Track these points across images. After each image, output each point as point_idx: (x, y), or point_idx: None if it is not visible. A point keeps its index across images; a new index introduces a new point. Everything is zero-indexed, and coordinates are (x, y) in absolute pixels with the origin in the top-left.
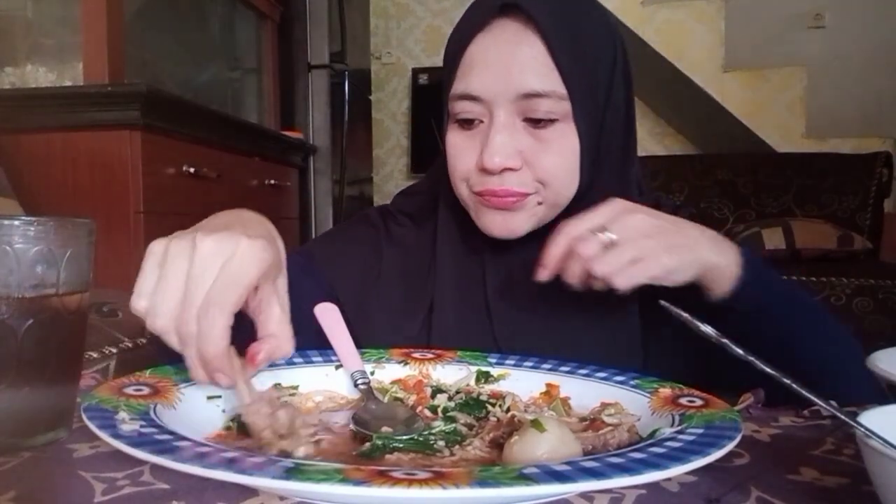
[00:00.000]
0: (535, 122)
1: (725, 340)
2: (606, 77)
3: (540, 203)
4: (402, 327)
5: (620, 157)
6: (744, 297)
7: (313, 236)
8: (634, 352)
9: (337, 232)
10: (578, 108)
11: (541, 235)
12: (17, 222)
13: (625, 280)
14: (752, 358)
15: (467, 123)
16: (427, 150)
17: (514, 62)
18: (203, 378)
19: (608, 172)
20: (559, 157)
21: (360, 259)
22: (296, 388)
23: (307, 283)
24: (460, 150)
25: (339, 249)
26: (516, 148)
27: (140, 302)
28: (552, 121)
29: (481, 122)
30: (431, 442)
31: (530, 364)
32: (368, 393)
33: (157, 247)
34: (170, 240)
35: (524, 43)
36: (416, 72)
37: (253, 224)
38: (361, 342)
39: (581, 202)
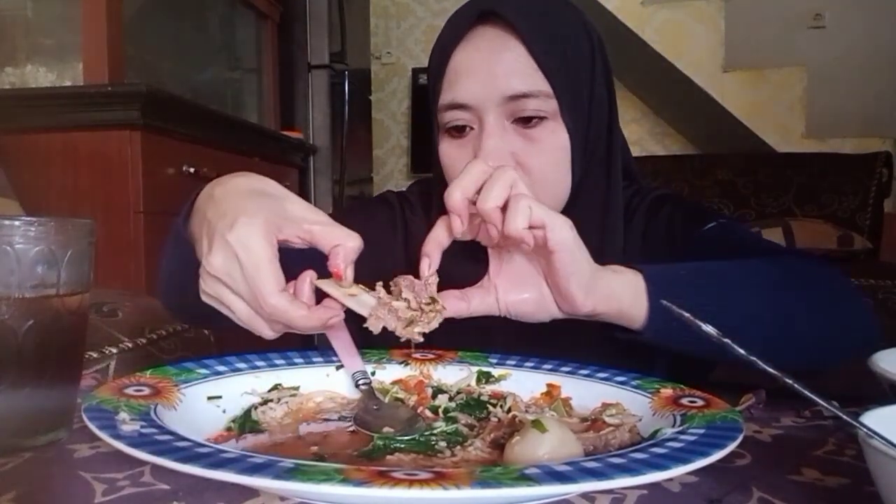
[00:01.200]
0: (525, 122)
1: (727, 340)
2: (587, 73)
3: None
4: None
5: (605, 151)
6: (659, 324)
7: None
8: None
9: (358, 209)
10: (565, 104)
11: None
12: (17, 222)
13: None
14: (753, 358)
15: (458, 132)
16: (427, 150)
17: (497, 67)
18: (322, 330)
19: (596, 166)
20: (551, 155)
21: (376, 242)
22: (297, 388)
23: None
24: (454, 159)
25: (361, 223)
26: (509, 150)
27: (265, 333)
28: (541, 119)
29: (472, 128)
30: (433, 442)
31: (531, 364)
32: (369, 393)
33: (205, 297)
34: (202, 287)
35: (505, 48)
36: (416, 72)
37: (225, 204)
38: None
39: (575, 203)
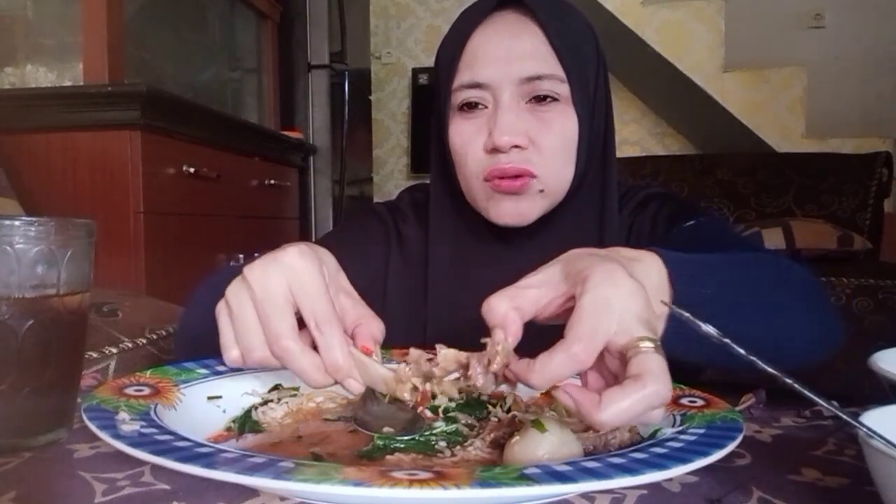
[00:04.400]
0: (539, 101)
1: (727, 340)
2: (593, 67)
3: (541, 190)
4: (403, 330)
5: (603, 146)
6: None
7: (313, 236)
8: None
9: (348, 228)
10: (575, 91)
11: (532, 237)
12: (17, 222)
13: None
14: (753, 358)
15: (470, 109)
16: (427, 150)
17: (516, 49)
18: (327, 383)
19: (596, 160)
20: (560, 137)
21: (371, 257)
22: (297, 388)
23: None
24: (467, 136)
25: (352, 242)
26: (523, 127)
27: (231, 353)
28: (554, 100)
29: (485, 107)
30: (433, 442)
31: None
32: (370, 393)
33: (220, 305)
34: (227, 292)
35: (524, 32)
36: (416, 72)
37: (280, 251)
38: None
39: (575, 195)
